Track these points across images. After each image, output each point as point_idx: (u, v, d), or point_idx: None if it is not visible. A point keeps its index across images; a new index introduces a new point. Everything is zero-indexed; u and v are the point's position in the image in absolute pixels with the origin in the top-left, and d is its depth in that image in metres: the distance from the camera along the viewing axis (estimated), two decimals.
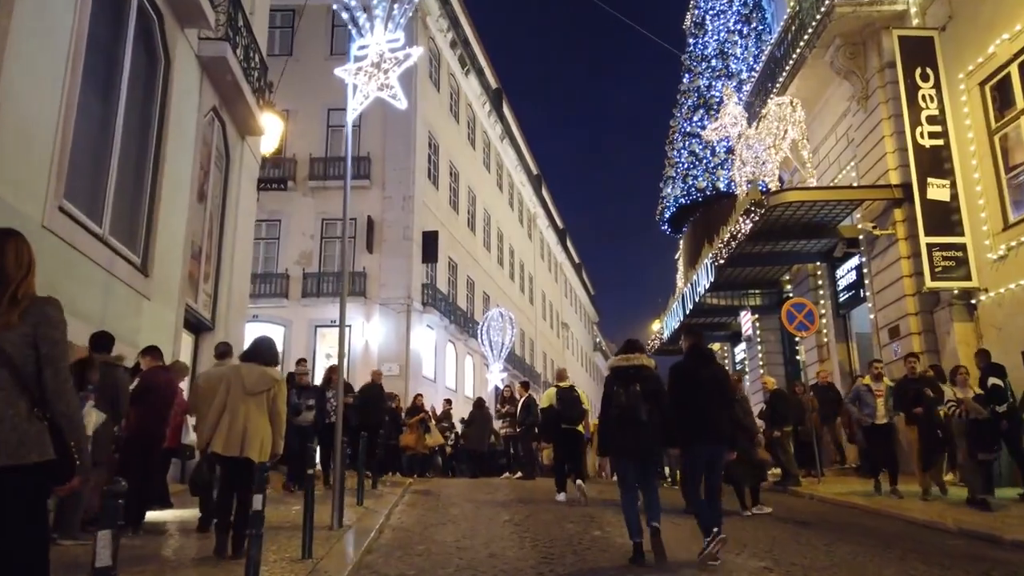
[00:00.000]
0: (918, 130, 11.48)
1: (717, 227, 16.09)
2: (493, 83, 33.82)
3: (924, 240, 11.13)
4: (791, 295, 16.49)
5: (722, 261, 15.19)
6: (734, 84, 20.31)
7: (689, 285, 19.08)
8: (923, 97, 11.57)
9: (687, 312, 19.19)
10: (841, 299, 15.10)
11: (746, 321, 17.71)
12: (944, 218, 11.22)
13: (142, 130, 8.94)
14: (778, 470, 10.87)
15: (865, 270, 13.43)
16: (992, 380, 8.55)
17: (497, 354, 24.89)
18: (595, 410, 9.08)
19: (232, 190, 12.32)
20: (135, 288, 8.46)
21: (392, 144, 23.18)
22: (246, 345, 5.90)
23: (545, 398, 10.43)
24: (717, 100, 21.49)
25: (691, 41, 24.81)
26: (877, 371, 9.77)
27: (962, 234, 11.09)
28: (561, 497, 9.20)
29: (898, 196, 11.91)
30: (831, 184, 14.41)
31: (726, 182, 21.29)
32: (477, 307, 29.25)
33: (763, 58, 17.50)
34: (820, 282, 15.65)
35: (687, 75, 24.57)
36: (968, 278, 10.93)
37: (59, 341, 2.59)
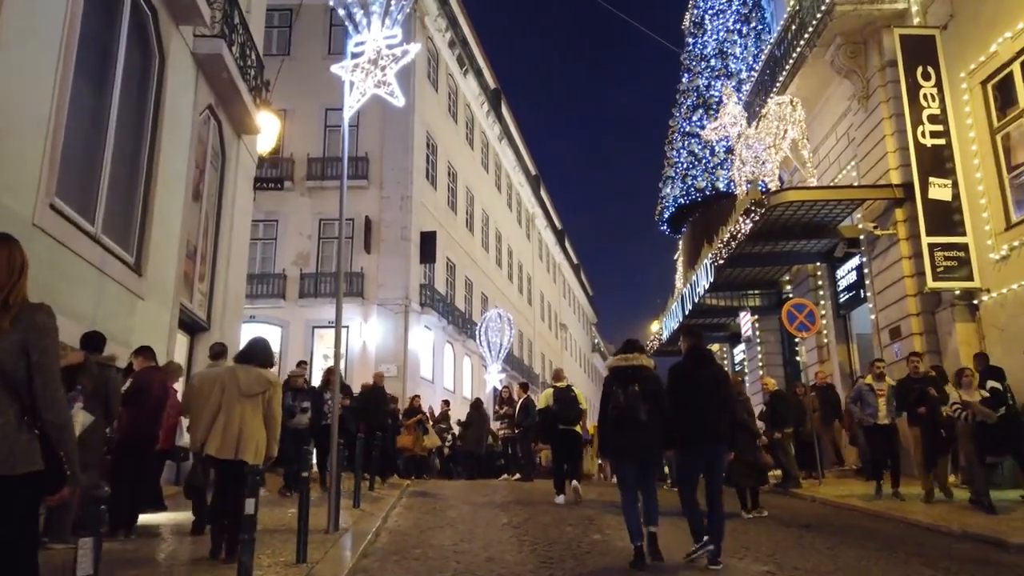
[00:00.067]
0: (919, 129, 11.40)
1: (716, 227, 16.00)
2: (492, 83, 33.75)
3: (925, 240, 11.04)
4: (791, 296, 16.40)
5: (722, 261, 15.11)
6: (733, 84, 20.23)
7: (688, 286, 18.98)
8: (924, 96, 11.49)
9: (686, 313, 19.08)
10: (841, 300, 15.01)
11: (745, 322, 17.65)
12: (946, 218, 11.14)
13: (136, 127, 8.84)
14: (779, 472, 10.79)
15: (866, 270, 13.35)
16: (991, 383, 8.50)
17: (495, 355, 24.81)
18: (594, 411, 8.99)
19: (228, 189, 12.22)
20: (128, 287, 8.35)
21: (390, 144, 23.08)
22: (242, 346, 5.81)
23: (542, 399, 10.34)
24: (716, 100, 21.41)
25: (690, 40, 24.74)
26: (879, 371, 9.69)
27: (964, 234, 11.01)
28: (560, 499, 9.14)
29: (899, 196, 11.83)
30: (831, 184, 14.33)
31: (725, 182, 21.22)
32: (475, 308, 29.17)
33: (763, 57, 17.42)
34: (820, 282, 15.56)
35: (686, 75, 24.50)
36: (970, 278, 10.85)
37: (50, 348, 2.55)
